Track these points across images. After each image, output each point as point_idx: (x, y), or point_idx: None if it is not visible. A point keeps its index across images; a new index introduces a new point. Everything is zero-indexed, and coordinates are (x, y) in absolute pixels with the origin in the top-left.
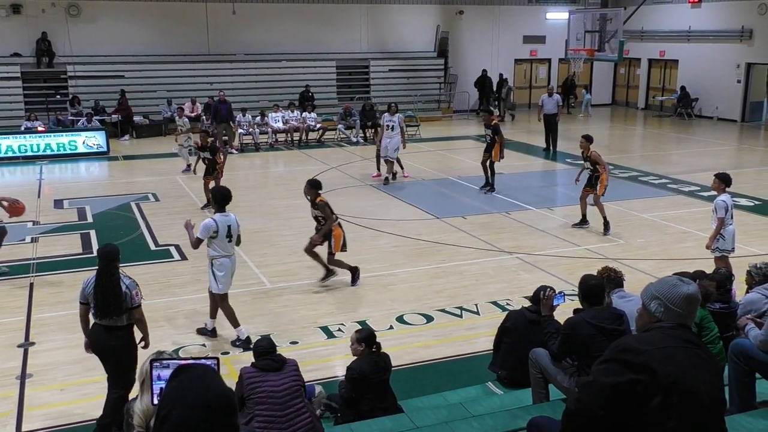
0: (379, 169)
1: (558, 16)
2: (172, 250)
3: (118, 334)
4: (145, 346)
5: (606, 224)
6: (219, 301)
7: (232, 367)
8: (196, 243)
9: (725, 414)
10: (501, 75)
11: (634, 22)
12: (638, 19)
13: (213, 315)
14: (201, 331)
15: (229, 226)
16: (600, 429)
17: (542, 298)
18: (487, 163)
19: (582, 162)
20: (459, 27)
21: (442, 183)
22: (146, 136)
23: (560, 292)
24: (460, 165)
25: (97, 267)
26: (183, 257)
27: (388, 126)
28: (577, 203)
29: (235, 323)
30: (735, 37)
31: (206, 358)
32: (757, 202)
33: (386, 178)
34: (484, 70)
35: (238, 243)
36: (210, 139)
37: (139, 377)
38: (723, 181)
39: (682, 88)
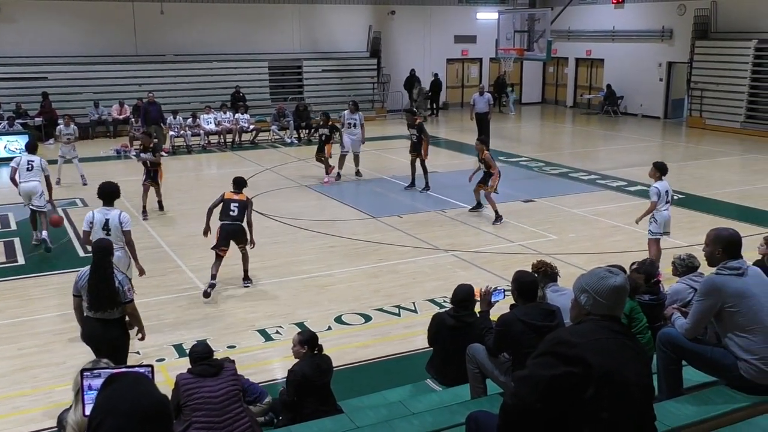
0: (328, 171)
1: (488, 16)
2: None
3: (112, 327)
4: (142, 338)
5: (497, 216)
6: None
7: (168, 373)
8: (83, 235)
9: (654, 401)
10: (435, 75)
11: (562, 22)
12: (565, 19)
13: None
14: None
15: (106, 220)
16: (536, 422)
17: (482, 294)
18: (417, 162)
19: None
20: (391, 27)
21: (377, 182)
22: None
23: (500, 289)
24: (395, 164)
25: (91, 262)
26: None
27: (350, 124)
28: (507, 200)
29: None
30: (656, 37)
31: (140, 366)
32: (680, 196)
33: (339, 174)
34: (412, 70)
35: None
36: (154, 140)
37: (72, 387)
38: (658, 169)
39: (608, 86)
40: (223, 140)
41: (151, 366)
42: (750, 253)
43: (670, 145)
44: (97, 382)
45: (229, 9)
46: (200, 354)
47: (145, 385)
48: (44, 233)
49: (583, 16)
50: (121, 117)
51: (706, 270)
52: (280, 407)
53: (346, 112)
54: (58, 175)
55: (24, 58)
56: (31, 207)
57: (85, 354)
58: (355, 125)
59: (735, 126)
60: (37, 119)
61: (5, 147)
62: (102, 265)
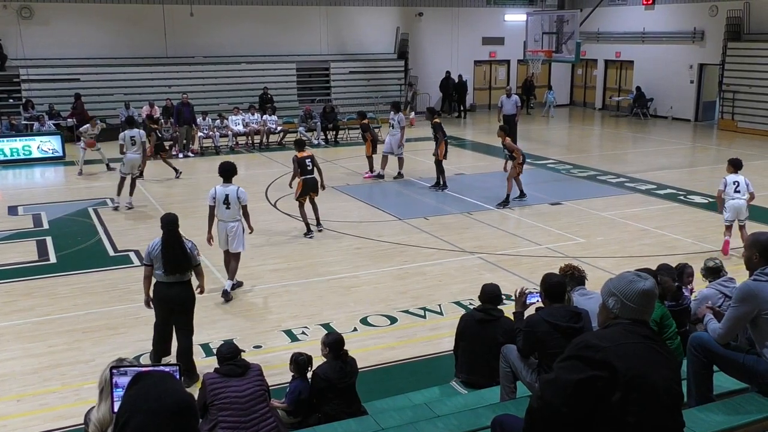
0: (371, 169)
1: (516, 17)
2: (132, 255)
3: (186, 287)
4: (201, 292)
5: (506, 199)
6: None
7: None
8: (209, 210)
9: (683, 408)
10: (460, 76)
11: (591, 23)
12: (594, 21)
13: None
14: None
15: (227, 195)
16: (562, 426)
17: (517, 295)
18: (435, 162)
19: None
20: (418, 29)
21: (404, 184)
22: (103, 140)
23: (535, 291)
24: (422, 166)
25: (162, 233)
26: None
27: (390, 124)
28: (534, 203)
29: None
30: (687, 39)
31: (167, 364)
32: (711, 200)
33: (379, 174)
34: (448, 72)
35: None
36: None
37: (98, 385)
38: (732, 165)
39: (638, 88)
40: (251, 141)
41: (178, 365)
42: None
43: (701, 148)
44: (125, 380)
45: (257, 11)
46: (227, 354)
47: (171, 383)
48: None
49: (613, 17)
50: (154, 117)
51: (738, 275)
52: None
53: (390, 112)
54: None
55: (57, 60)
56: (132, 175)
57: (113, 351)
58: (393, 126)
59: (767, 129)
60: (69, 120)
61: (38, 147)
62: (174, 234)
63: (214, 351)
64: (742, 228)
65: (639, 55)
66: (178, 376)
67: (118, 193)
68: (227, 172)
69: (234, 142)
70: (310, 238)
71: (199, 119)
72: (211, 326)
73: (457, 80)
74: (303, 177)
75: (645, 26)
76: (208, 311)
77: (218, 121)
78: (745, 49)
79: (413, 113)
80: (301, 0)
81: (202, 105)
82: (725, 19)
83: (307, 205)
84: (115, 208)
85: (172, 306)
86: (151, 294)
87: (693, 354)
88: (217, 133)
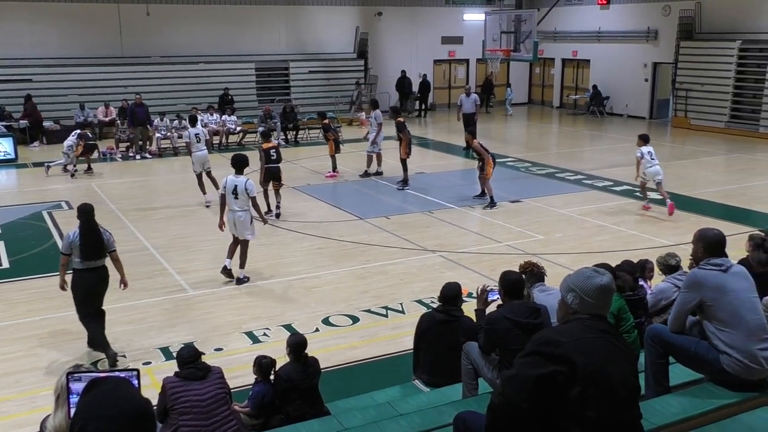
0: (334, 169)
1: (474, 17)
2: None
3: (101, 272)
4: (125, 287)
5: (491, 201)
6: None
7: (155, 377)
8: (220, 198)
9: (641, 399)
10: (425, 76)
11: (548, 23)
12: (551, 20)
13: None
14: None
15: (235, 185)
16: (523, 421)
17: (478, 293)
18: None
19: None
20: (378, 28)
21: (365, 184)
22: (58, 142)
23: (495, 289)
24: (383, 166)
25: (79, 222)
26: None
27: (370, 123)
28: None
29: (228, 255)
30: (642, 38)
31: (126, 370)
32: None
33: (365, 172)
34: (403, 71)
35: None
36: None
37: (54, 392)
38: (642, 139)
39: (594, 86)
40: (210, 142)
41: (137, 370)
42: (736, 252)
43: (656, 145)
44: (80, 386)
45: (215, 10)
46: (187, 357)
47: (126, 389)
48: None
49: (569, 17)
50: (107, 119)
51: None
52: (256, 410)
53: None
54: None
55: (7, 60)
56: (203, 171)
57: (71, 358)
58: (371, 123)
59: (719, 126)
60: (21, 122)
61: None
62: (90, 222)
63: (174, 355)
64: (659, 185)
65: (595, 54)
66: (135, 382)
67: (203, 191)
68: (239, 163)
69: None
70: (271, 217)
71: (156, 120)
72: (170, 329)
73: (420, 79)
74: (267, 165)
75: (600, 26)
76: (168, 314)
77: (176, 121)
78: (696, 48)
79: (362, 113)
80: (260, 0)
81: (160, 106)
82: (678, 19)
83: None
84: (207, 206)
85: (88, 289)
86: (68, 280)
87: (649, 345)
88: (176, 134)
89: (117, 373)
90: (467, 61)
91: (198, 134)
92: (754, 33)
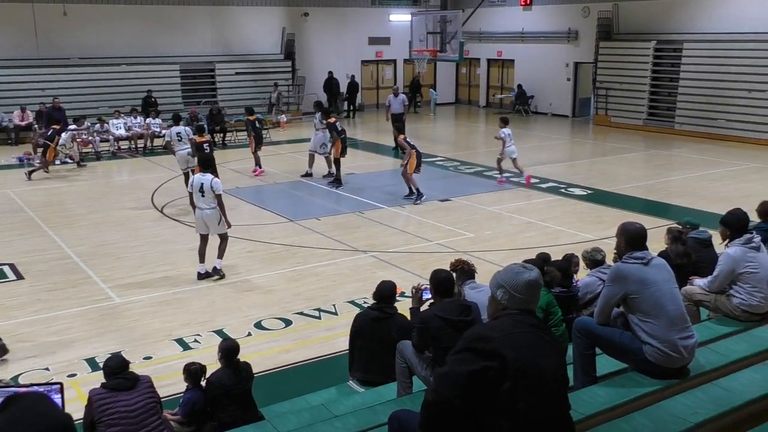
0: (259, 165)
1: (401, 18)
2: (6, 269)
3: None
4: None
5: (418, 193)
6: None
7: (81, 389)
8: (189, 196)
9: (570, 391)
10: (353, 77)
11: (473, 23)
12: (476, 21)
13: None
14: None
15: (201, 184)
16: (456, 417)
17: (413, 291)
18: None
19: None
20: (305, 29)
21: (294, 185)
22: None
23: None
24: (313, 168)
25: None
26: (19, 277)
27: (314, 124)
28: (424, 200)
29: (200, 259)
30: (563, 38)
31: (48, 384)
32: (589, 191)
33: (307, 172)
34: (330, 72)
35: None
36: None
37: None
38: (503, 121)
39: (519, 86)
40: (134, 146)
41: (60, 384)
42: (656, 245)
43: (579, 143)
44: None
45: (136, 11)
46: (114, 367)
47: (45, 405)
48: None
49: (493, 17)
50: (23, 123)
51: None
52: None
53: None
54: None
55: None
56: (189, 170)
57: None
58: (316, 125)
59: (638, 123)
60: None
61: None
62: None
63: (101, 365)
64: (515, 161)
65: (519, 54)
66: (58, 396)
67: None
68: (206, 162)
69: (116, 147)
70: None
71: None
72: (97, 339)
73: (348, 80)
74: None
75: (524, 26)
76: (94, 323)
77: (98, 125)
78: (615, 48)
79: (283, 116)
80: (183, 0)
81: (80, 109)
82: (597, 20)
83: None
84: None
85: None
86: None
87: (577, 337)
88: (98, 138)
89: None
90: (394, 61)
91: (179, 133)
92: (667, 34)
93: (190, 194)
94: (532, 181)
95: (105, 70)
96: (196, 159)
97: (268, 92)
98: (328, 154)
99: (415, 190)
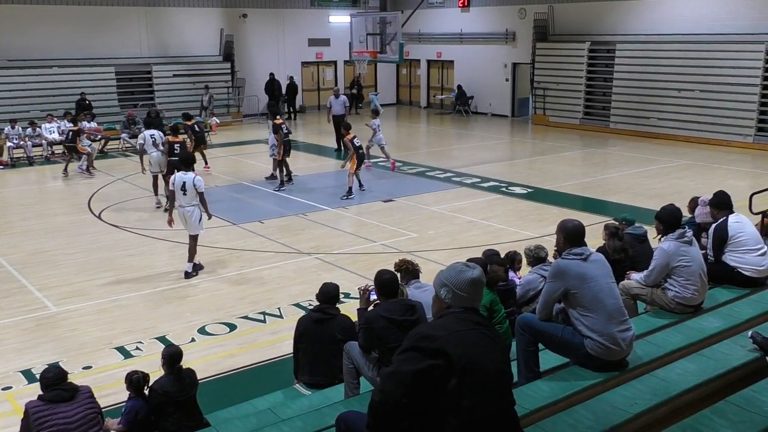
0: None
1: (340, 19)
2: None
3: None
4: None
5: (348, 192)
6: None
7: (16, 402)
8: (170, 194)
9: (514, 387)
10: (291, 78)
11: (412, 25)
12: (415, 23)
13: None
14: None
15: (184, 182)
16: (403, 416)
17: (360, 292)
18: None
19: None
20: (244, 31)
21: (236, 188)
22: None
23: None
24: (253, 169)
25: None
26: None
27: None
28: (367, 201)
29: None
30: (501, 39)
31: None
32: (529, 190)
33: (273, 175)
34: (272, 74)
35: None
36: None
37: None
38: (374, 112)
39: (459, 86)
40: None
41: None
42: (595, 241)
43: (518, 142)
44: None
45: (67, 11)
46: (52, 378)
47: None
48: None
49: (432, 19)
50: None
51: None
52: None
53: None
54: None
55: None
56: (156, 173)
57: None
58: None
59: (575, 122)
60: None
61: None
62: None
63: (38, 377)
64: (383, 148)
65: (458, 55)
66: None
67: (156, 192)
68: (187, 160)
69: (49, 152)
70: (158, 207)
71: (7, 128)
72: (32, 350)
73: (288, 82)
74: (169, 158)
75: (462, 27)
76: (29, 334)
77: (30, 129)
78: (551, 49)
79: (214, 118)
80: (117, 0)
81: (10, 112)
82: (533, 22)
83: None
84: (158, 207)
85: None
86: None
87: (519, 334)
88: (29, 143)
89: None
90: (335, 62)
91: (153, 135)
92: (601, 35)
93: (172, 192)
94: (397, 165)
95: (35, 72)
96: (163, 163)
97: (209, 94)
98: (274, 156)
99: (348, 188)
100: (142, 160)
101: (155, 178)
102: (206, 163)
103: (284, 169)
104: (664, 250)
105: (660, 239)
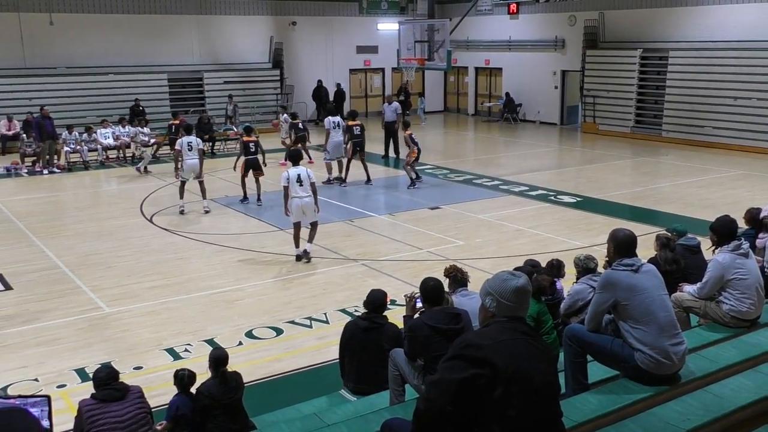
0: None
1: (389, 26)
2: None
3: None
4: None
5: (412, 182)
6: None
7: (70, 400)
8: (284, 190)
9: (561, 398)
10: (339, 85)
11: (460, 32)
12: (464, 30)
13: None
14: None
15: (298, 174)
16: (448, 425)
17: (406, 299)
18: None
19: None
20: (293, 38)
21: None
22: None
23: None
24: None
25: None
26: (8, 287)
27: (327, 129)
28: (414, 208)
29: (296, 245)
30: (550, 47)
31: (34, 396)
32: (578, 198)
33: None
34: (319, 81)
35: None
36: None
37: None
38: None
39: (507, 94)
40: (122, 155)
41: (47, 397)
42: (646, 251)
43: (567, 150)
44: None
45: (123, 20)
46: (104, 378)
47: (22, 421)
48: (206, 202)
49: (481, 26)
50: (10, 133)
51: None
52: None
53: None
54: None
55: None
56: (192, 179)
57: None
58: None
59: (625, 131)
60: None
61: None
62: None
63: (91, 376)
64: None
65: (507, 63)
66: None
67: (181, 197)
68: (295, 156)
69: (104, 156)
70: (260, 204)
71: (64, 133)
72: (86, 349)
73: (335, 89)
74: (246, 157)
75: (511, 35)
76: (83, 333)
77: (86, 134)
78: (601, 56)
79: (234, 127)
80: (170, 9)
81: (68, 118)
82: (583, 29)
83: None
84: (181, 212)
85: None
86: None
87: (567, 345)
88: (85, 147)
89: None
90: (383, 70)
91: (191, 143)
92: (653, 42)
93: (285, 188)
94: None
95: (92, 79)
96: (196, 170)
97: (257, 102)
98: (328, 160)
99: (409, 179)
100: (176, 165)
101: (183, 183)
102: (310, 158)
103: (347, 168)
104: (719, 263)
105: (714, 251)
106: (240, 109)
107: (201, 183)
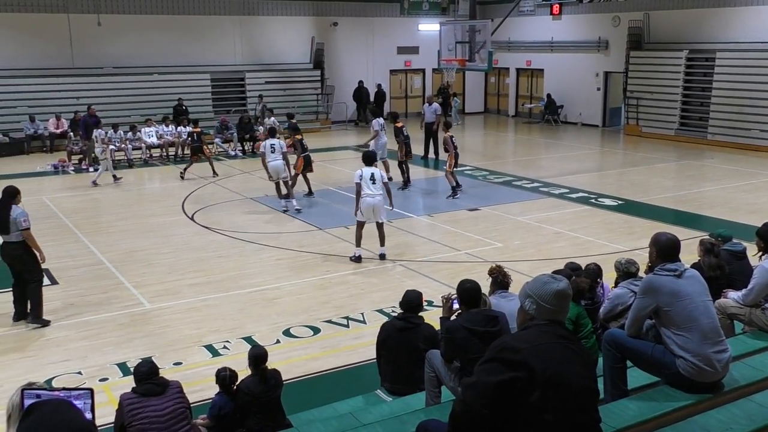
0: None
1: (430, 27)
2: None
3: (13, 246)
4: (42, 260)
5: (453, 191)
6: (357, 225)
7: (112, 393)
8: (356, 186)
9: (600, 403)
10: (379, 86)
11: (501, 33)
12: (505, 31)
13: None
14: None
15: (372, 173)
16: (485, 427)
17: (443, 301)
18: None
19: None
20: (334, 38)
21: (323, 194)
22: (6, 155)
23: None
24: (340, 175)
25: None
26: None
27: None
28: (452, 209)
29: (357, 244)
30: (593, 48)
31: (79, 389)
32: (620, 202)
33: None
34: (360, 81)
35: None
36: None
37: (6, 411)
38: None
39: (548, 95)
40: (165, 153)
41: (90, 389)
42: (689, 256)
43: (609, 152)
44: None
45: (168, 21)
46: (145, 372)
47: (67, 412)
48: (294, 201)
49: (523, 27)
50: (58, 131)
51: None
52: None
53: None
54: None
55: None
56: (279, 180)
57: (22, 376)
58: (376, 131)
59: (669, 133)
60: None
61: None
62: (3, 202)
63: (132, 370)
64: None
65: (548, 64)
66: (88, 401)
67: (280, 196)
68: (369, 158)
69: (148, 155)
70: (313, 197)
71: (109, 132)
72: (127, 344)
73: (376, 89)
74: (303, 154)
75: (553, 36)
76: (125, 328)
77: (130, 133)
78: (645, 57)
79: (261, 127)
80: (213, 10)
81: (113, 117)
82: (627, 29)
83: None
84: (285, 211)
85: (8, 261)
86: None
87: (607, 350)
88: (130, 146)
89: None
90: (423, 70)
91: (273, 145)
92: (699, 43)
93: (358, 185)
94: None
95: (137, 78)
96: (281, 171)
97: (299, 101)
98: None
99: (451, 188)
100: (265, 167)
101: (277, 184)
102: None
103: (407, 170)
104: (766, 269)
105: (761, 257)
106: (277, 108)
107: (286, 183)
